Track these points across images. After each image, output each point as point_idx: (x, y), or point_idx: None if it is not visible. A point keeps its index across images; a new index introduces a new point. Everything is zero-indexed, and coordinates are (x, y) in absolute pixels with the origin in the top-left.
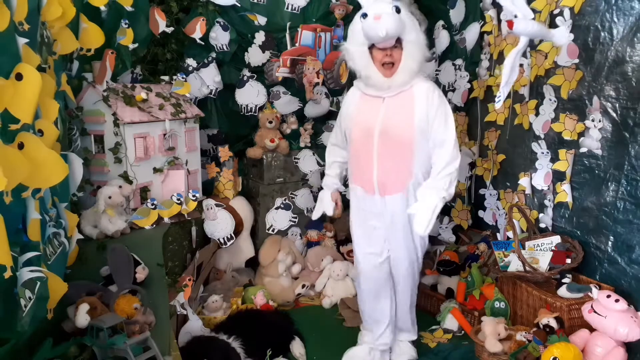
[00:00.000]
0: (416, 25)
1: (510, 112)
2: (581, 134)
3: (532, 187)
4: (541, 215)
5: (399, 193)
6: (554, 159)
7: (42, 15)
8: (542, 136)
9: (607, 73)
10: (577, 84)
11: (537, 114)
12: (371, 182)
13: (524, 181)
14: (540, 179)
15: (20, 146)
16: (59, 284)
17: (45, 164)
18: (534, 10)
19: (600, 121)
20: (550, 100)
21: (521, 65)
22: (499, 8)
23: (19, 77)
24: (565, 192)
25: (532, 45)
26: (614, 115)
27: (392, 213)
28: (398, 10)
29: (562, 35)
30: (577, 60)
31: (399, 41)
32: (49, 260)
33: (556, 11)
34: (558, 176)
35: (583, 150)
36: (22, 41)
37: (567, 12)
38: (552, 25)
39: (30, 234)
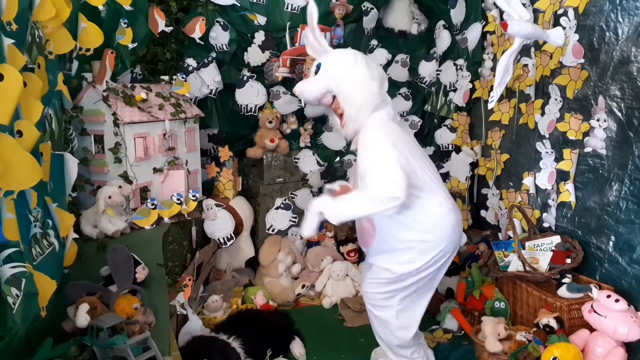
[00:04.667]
0: (347, 67)
1: (516, 112)
2: (586, 134)
3: (536, 187)
4: (544, 215)
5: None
6: (558, 158)
7: (34, 15)
8: (547, 136)
9: (613, 73)
10: (583, 84)
11: (542, 114)
12: None
13: (527, 181)
14: (544, 178)
15: None
16: (47, 282)
17: (18, 166)
18: (537, 11)
19: (605, 121)
20: (556, 99)
21: (526, 65)
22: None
23: (0, 77)
24: (568, 192)
25: (537, 45)
26: (619, 115)
27: None
28: (317, 70)
29: (558, 36)
30: (582, 60)
31: None
32: (35, 260)
33: (560, 11)
34: (562, 176)
35: (587, 150)
36: (7, 41)
37: (571, 13)
38: (557, 25)
39: (7, 234)
